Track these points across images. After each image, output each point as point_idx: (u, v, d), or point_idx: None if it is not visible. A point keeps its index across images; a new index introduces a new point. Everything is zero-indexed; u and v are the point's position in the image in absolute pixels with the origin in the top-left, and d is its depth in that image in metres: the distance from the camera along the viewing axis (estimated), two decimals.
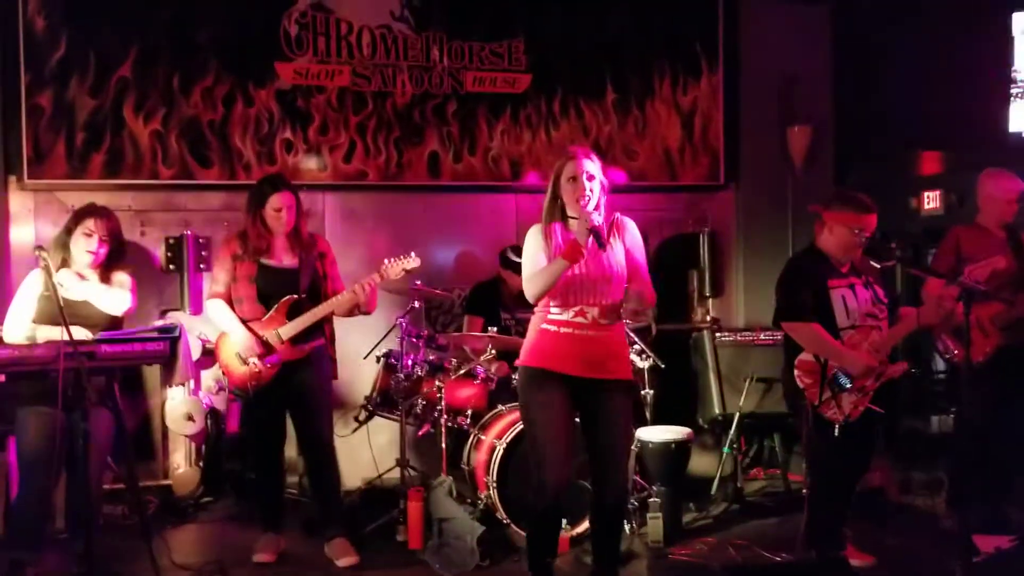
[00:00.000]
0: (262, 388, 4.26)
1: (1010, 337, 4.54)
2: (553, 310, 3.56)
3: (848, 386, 3.74)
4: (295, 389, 4.31)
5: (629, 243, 3.64)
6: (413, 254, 4.54)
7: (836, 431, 3.76)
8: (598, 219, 3.43)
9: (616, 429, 3.63)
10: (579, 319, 3.53)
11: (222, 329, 4.35)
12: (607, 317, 3.57)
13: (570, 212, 3.57)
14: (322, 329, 4.40)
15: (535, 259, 3.55)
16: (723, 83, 6.44)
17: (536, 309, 3.65)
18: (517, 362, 3.74)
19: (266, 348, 4.24)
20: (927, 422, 6.96)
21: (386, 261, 4.48)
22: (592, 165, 3.56)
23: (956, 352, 4.64)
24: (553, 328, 3.56)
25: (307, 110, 5.79)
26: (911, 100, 6.43)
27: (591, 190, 3.51)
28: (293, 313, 4.27)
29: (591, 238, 3.37)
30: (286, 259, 4.32)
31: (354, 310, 4.37)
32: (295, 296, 4.28)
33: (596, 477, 3.69)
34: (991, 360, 4.54)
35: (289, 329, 4.25)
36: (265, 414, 4.37)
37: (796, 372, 3.83)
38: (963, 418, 4.79)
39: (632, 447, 4.51)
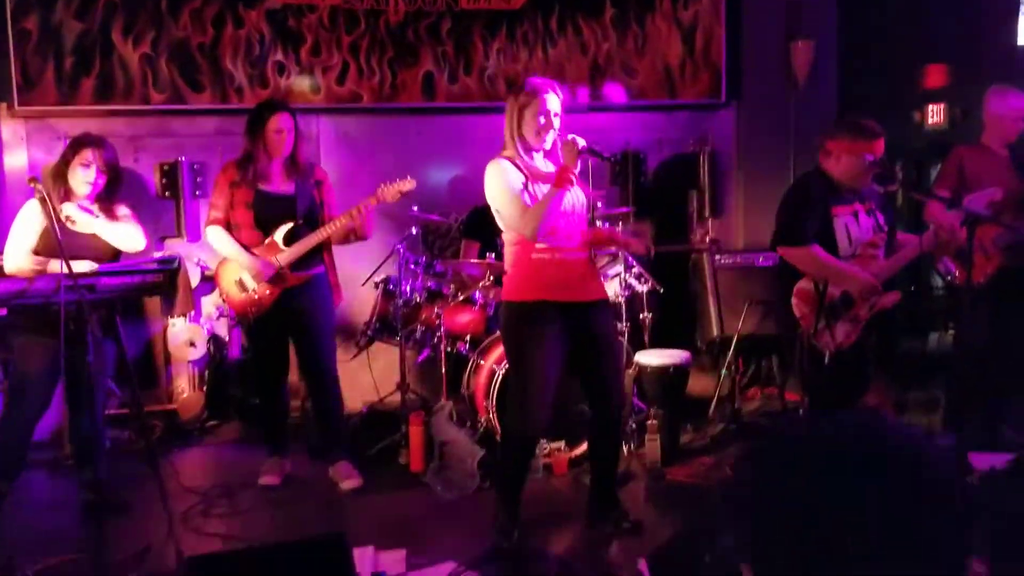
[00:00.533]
0: (262, 315, 4.29)
1: (1011, 258, 4.53)
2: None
3: (844, 310, 3.74)
4: (295, 315, 4.33)
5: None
6: (409, 176, 4.50)
7: (827, 359, 3.76)
8: (582, 140, 3.51)
9: (610, 348, 3.72)
10: (566, 243, 3.59)
11: (224, 256, 4.36)
12: (582, 238, 3.67)
13: (532, 144, 3.60)
14: (321, 256, 4.41)
15: (515, 191, 3.52)
16: None
17: (513, 241, 3.65)
18: (503, 297, 3.73)
19: (274, 271, 4.25)
20: (925, 340, 7.01)
21: (382, 184, 4.45)
22: (556, 101, 3.57)
23: (957, 274, 4.64)
24: (547, 256, 3.57)
25: (299, 30, 5.66)
26: (915, 13, 6.28)
27: (555, 128, 3.57)
28: (291, 240, 4.26)
29: (588, 156, 3.52)
30: (283, 185, 4.32)
31: (350, 236, 4.38)
32: (293, 222, 4.26)
33: (594, 397, 3.74)
34: (991, 281, 4.54)
35: (287, 255, 4.25)
36: (266, 340, 4.40)
37: (794, 300, 3.78)
38: (962, 339, 4.81)
39: (628, 370, 4.55)
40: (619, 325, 4.80)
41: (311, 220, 4.34)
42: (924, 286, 6.87)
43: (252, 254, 4.27)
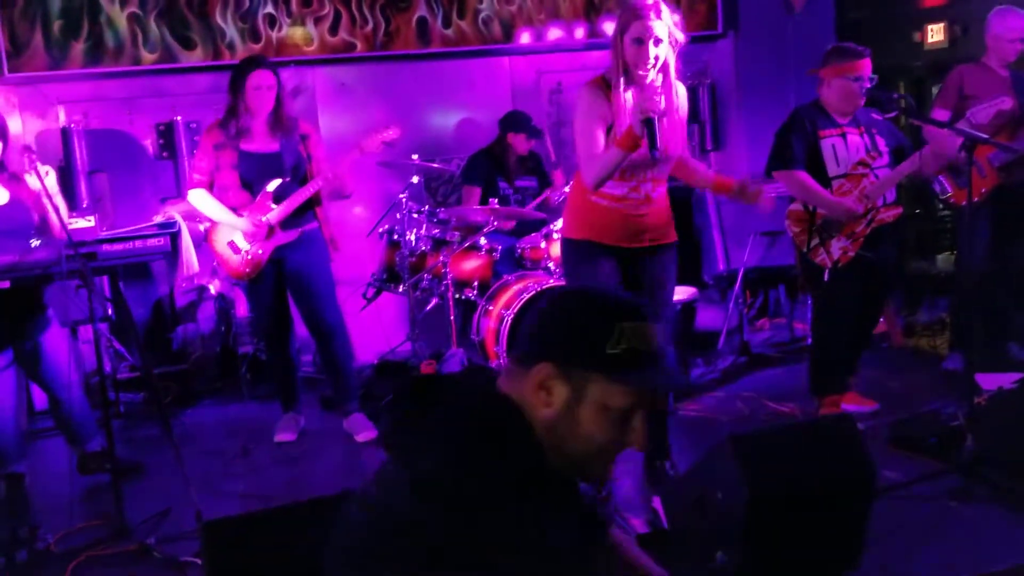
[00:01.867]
0: (258, 274, 4.28)
1: (1007, 176, 4.52)
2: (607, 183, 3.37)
3: (834, 230, 3.84)
4: (291, 272, 4.32)
5: (680, 113, 3.44)
6: (392, 126, 4.43)
7: (826, 276, 3.90)
8: (656, 105, 3.05)
9: (664, 294, 3.56)
10: (633, 195, 3.38)
11: (212, 219, 4.32)
12: (659, 188, 3.45)
13: (636, 71, 3.22)
14: (313, 211, 4.37)
15: (590, 128, 3.28)
16: None
17: (577, 175, 3.48)
18: (560, 232, 3.67)
19: (266, 229, 4.23)
20: (932, 262, 6.99)
21: (365, 136, 4.40)
22: (660, 26, 3.18)
23: (952, 192, 4.62)
24: (605, 203, 3.39)
25: None
26: None
27: (656, 57, 3.19)
28: (280, 197, 4.23)
29: (645, 133, 3.08)
30: (268, 143, 4.25)
31: (336, 193, 4.35)
32: (280, 180, 4.23)
33: None
34: (988, 200, 4.54)
35: (277, 213, 4.22)
36: (266, 299, 4.37)
37: (786, 221, 4.03)
38: (962, 259, 4.82)
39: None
40: None
41: (299, 176, 4.30)
42: (928, 208, 6.83)
43: (239, 215, 4.23)
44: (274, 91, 4.19)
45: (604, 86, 3.33)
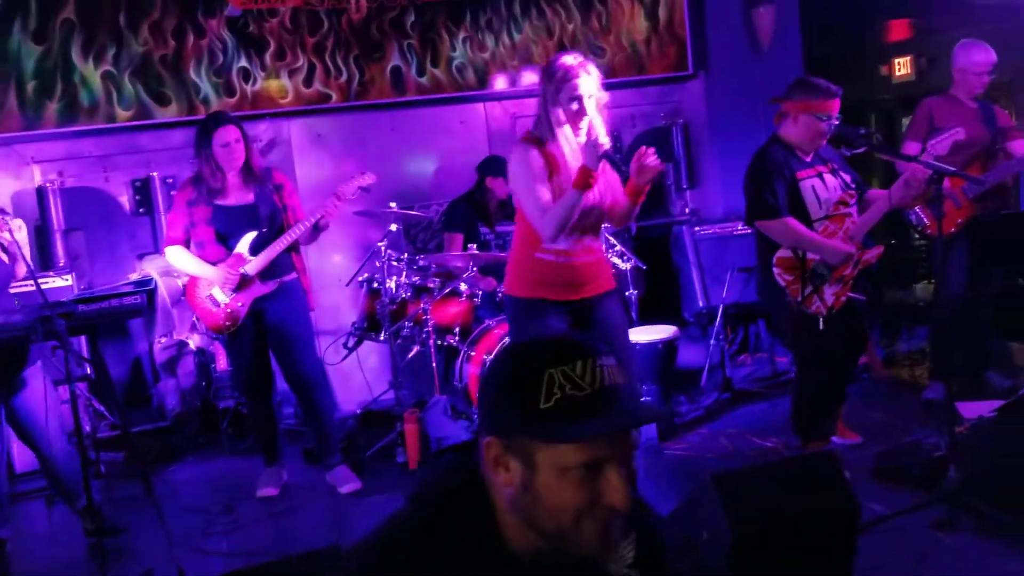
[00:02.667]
0: (238, 327, 4.26)
1: (982, 207, 4.58)
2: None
3: (827, 275, 3.73)
4: (271, 324, 4.29)
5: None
6: (368, 172, 4.47)
7: (821, 324, 3.75)
8: (607, 143, 3.24)
9: (617, 338, 3.55)
10: (577, 247, 3.40)
11: (189, 273, 4.31)
12: (595, 237, 3.48)
13: (567, 131, 3.34)
14: (291, 261, 4.36)
15: (533, 185, 3.30)
16: None
17: (522, 232, 3.49)
18: (503, 290, 3.63)
19: (241, 280, 4.21)
20: (910, 292, 7.06)
21: (343, 183, 4.42)
22: (591, 83, 3.30)
23: (929, 224, 4.68)
24: (550, 258, 3.40)
25: (261, 35, 5.62)
26: None
27: (587, 111, 3.29)
28: (257, 248, 4.22)
29: (602, 161, 3.23)
30: (242, 196, 4.24)
31: (316, 233, 4.35)
32: (256, 232, 4.22)
33: None
34: (964, 230, 4.59)
35: (254, 265, 4.20)
36: (246, 352, 4.34)
37: (776, 270, 3.79)
38: (940, 289, 4.86)
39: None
40: None
41: (275, 227, 4.29)
42: (904, 238, 6.91)
43: (217, 267, 4.21)
44: (242, 144, 4.17)
45: (537, 142, 3.37)
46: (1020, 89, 7.26)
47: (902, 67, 8.73)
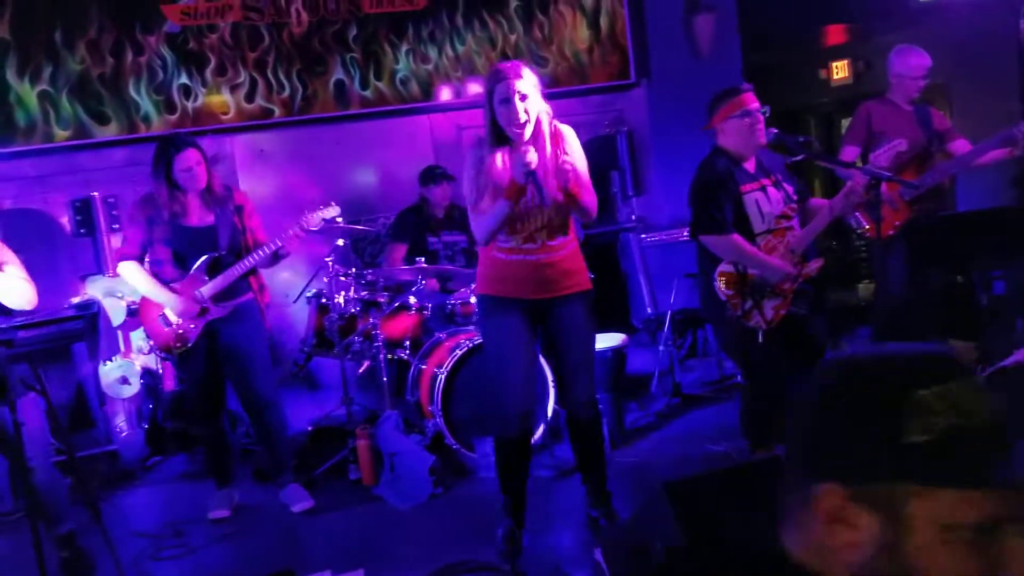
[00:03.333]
0: (188, 349, 4.20)
1: (918, 209, 4.70)
2: (500, 237, 3.45)
3: (766, 291, 3.76)
4: (224, 346, 4.24)
5: (569, 154, 3.46)
6: (333, 203, 4.43)
7: (760, 337, 3.77)
8: (534, 157, 3.24)
9: (572, 343, 3.57)
10: (529, 244, 3.44)
11: (143, 294, 4.24)
12: (556, 237, 3.48)
13: (507, 131, 3.36)
14: (247, 282, 4.31)
15: (471, 189, 3.42)
16: None
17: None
18: (474, 290, 3.71)
19: (200, 308, 4.16)
20: (853, 292, 7.21)
21: (306, 213, 4.37)
22: (524, 84, 3.30)
23: (868, 227, 4.78)
24: (503, 256, 3.47)
25: (201, 51, 5.57)
26: None
27: (526, 111, 3.30)
28: (214, 271, 4.18)
29: (530, 182, 3.25)
30: (202, 217, 4.19)
31: (275, 260, 4.31)
32: (214, 254, 4.18)
33: (564, 393, 3.70)
34: (902, 232, 4.70)
35: (211, 287, 4.16)
36: (198, 372, 4.28)
37: (717, 284, 3.80)
38: (879, 290, 4.96)
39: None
40: None
41: (235, 249, 4.24)
42: (845, 241, 7.05)
43: (172, 289, 4.15)
44: (203, 166, 4.11)
45: (481, 145, 3.44)
46: (956, 91, 7.48)
47: (840, 71, 8.94)
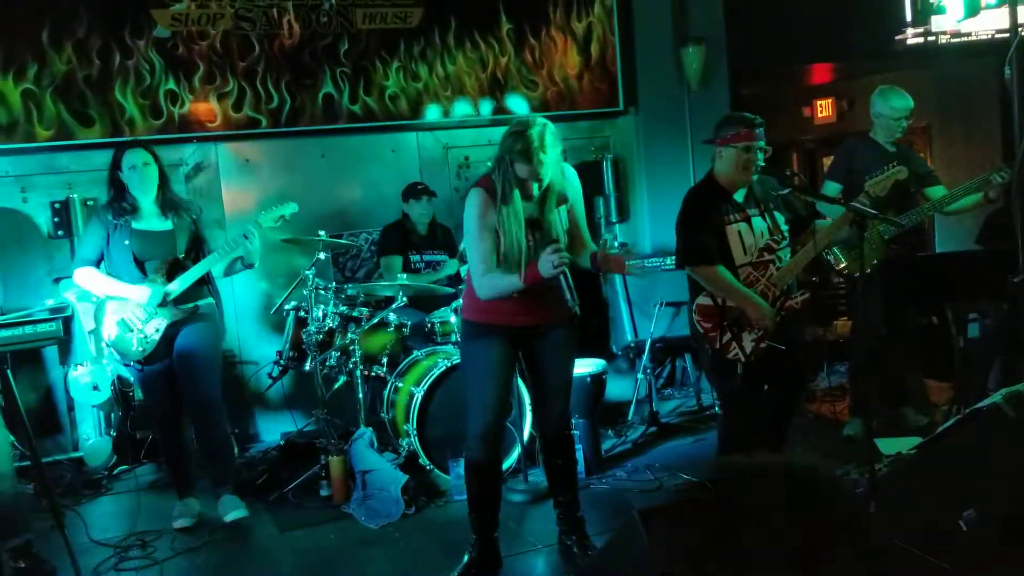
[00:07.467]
0: (151, 352, 4.16)
1: (896, 248, 4.72)
2: None
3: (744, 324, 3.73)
4: (179, 347, 4.22)
5: (572, 198, 3.47)
6: (290, 202, 4.44)
7: (739, 369, 3.76)
8: (566, 259, 3.18)
9: (558, 367, 3.57)
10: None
11: (106, 293, 4.21)
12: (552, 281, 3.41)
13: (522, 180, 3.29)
14: (207, 288, 4.33)
15: (481, 234, 3.32)
16: (617, 6, 6.39)
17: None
18: (461, 313, 3.62)
19: (162, 298, 4.15)
20: (830, 329, 7.23)
21: (261, 212, 4.38)
22: (548, 158, 3.25)
23: (845, 263, 4.78)
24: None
25: (190, 58, 5.53)
26: (798, 14, 6.47)
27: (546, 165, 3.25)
28: (173, 274, 4.18)
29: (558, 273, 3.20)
30: (159, 222, 4.23)
31: (235, 265, 4.29)
32: (173, 258, 4.19)
33: (540, 415, 3.71)
34: (879, 270, 4.70)
35: (170, 289, 4.14)
36: (158, 379, 4.26)
37: (695, 317, 3.79)
38: (856, 327, 4.98)
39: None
40: None
41: (194, 253, 4.27)
42: (824, 276, 7.09)
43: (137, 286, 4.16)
44: (151, 167, 4.16)
45: (491, 190, 3.35)
46: (938, 133, 7.56)
47: (823, 109, 9.04)
